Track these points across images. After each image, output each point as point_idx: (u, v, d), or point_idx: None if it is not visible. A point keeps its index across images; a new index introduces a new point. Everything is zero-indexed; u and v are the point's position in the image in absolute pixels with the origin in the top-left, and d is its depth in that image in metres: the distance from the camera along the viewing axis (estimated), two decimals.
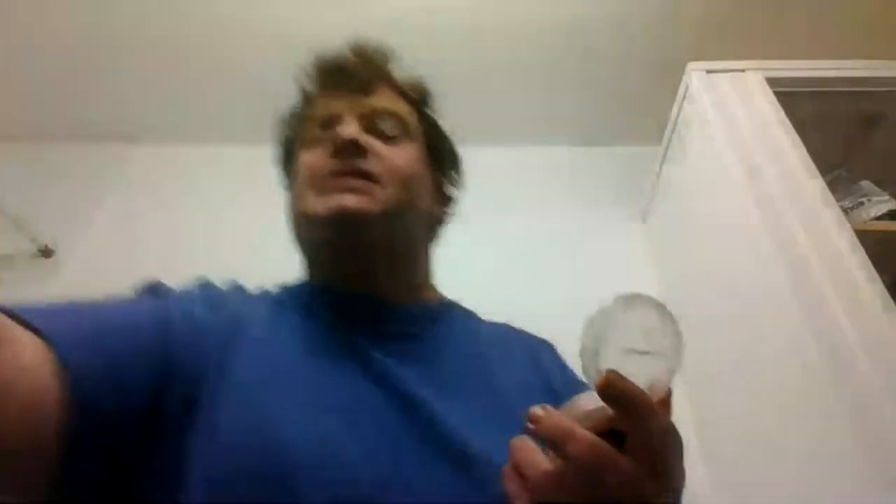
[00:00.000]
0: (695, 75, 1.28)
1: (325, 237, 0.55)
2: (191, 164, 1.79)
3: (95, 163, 1.77)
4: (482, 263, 1.45)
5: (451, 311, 0.63)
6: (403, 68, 0.67)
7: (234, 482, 0.38)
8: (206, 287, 0.54)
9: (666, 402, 0.33)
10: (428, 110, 0.68)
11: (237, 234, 1.59)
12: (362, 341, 0.50)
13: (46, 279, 1.49)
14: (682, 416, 1.23)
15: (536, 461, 0.32)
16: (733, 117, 1.17)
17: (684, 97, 1.32)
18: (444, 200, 0.69)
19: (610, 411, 0.31)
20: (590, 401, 0.33)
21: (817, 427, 0.80)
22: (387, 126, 0.59)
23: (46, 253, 1.54)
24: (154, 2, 1.51)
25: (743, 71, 1.25)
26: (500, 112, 1.75)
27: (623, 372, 0.31)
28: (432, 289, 0.65)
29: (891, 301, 0.84)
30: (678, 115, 1.35)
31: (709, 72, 1.28)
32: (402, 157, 0.58)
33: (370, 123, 0.59)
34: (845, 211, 1.11)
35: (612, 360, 0.31)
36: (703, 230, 1.22)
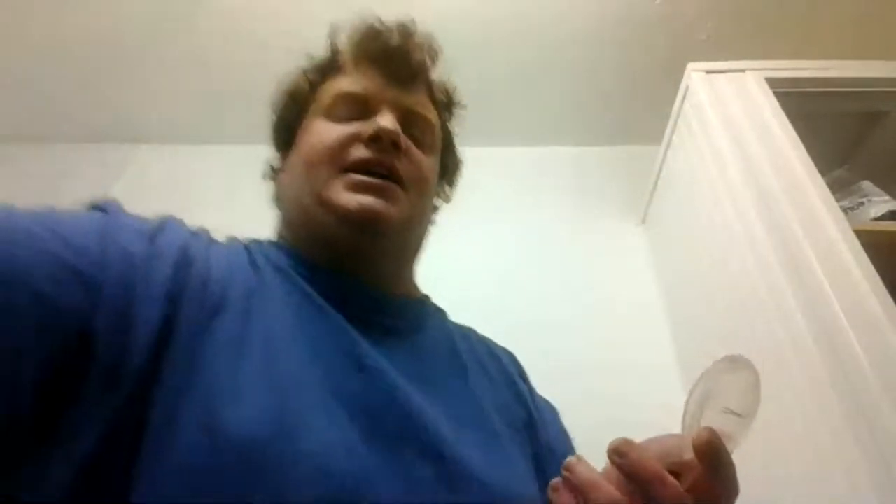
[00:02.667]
0: (695, 75, 1.28)
1: (342, 232, 0.51)
2: (192, 164, 1.79)
3: (97, 163, 1.77)
4: (481, 263, 1.45)
5: (429, 309, 0.62)
6: (442, 69, 0.65)
7: (203, 480, 0.33)
8: (169, 229, 0.45)
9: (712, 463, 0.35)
10: (450, 122, 0.68)
11: (239, 233, 1.59)
12: (352, 328, 0.47)
13: None
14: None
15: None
16: (733, 117, 1.17)
17: (684, 97, 1.32)
18: (435, 209, 0.69)
19: (684, 458, 0.34)
20: (665, 442, 0.37)
21: (817, 427, 0.80)
22: (419, 131, 0.58)
23: None
24: (156, 3, 1.51)
25: (743, 71, 1.25)
26: (500, 112, 1.75)
27: (718, 430, 0.34)
28: (414, 285, 0.63)
29: (891, 302, 0.84)
30: (678, 115, 1.35)
31: (709, 72, 1.28)
32: (426, 166, 0.58)
33: (405, 122, 0.56)
34: (845, 211, 1.10)
35: (713, 419, 0.34)
36: (703, 231, 1.22)
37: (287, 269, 0.50)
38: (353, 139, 0.53)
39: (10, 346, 0.31)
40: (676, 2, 1.50)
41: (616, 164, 1.73)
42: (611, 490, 0.34)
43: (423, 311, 0.60)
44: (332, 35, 0.62)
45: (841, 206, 1.04)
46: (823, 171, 1.05)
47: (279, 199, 0.61)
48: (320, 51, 0.62)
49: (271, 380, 0.38)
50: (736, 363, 0.35)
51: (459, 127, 0.70)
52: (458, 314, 0.89)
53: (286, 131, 0.62)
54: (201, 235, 0.48)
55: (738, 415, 0.34)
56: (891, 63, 1.25)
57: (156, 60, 1.64)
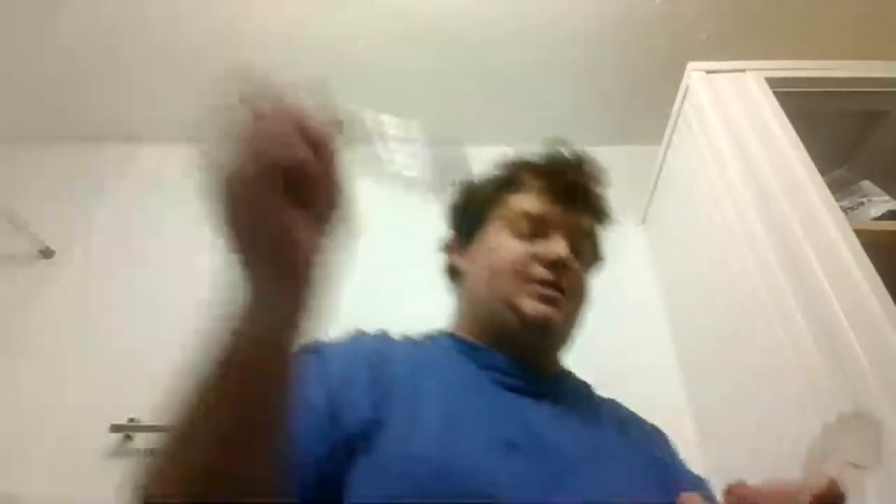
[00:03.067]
0: (695, 75, 1.28)
1: (521, 330, 0.65)
2: (191, 163, 1.79)
3: (95, 163, 1.77)
4: None
5: (576, 383, 0.73)
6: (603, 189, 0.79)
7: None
8: (360, 343, 0.64)
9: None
10: (601, 227, 0.81)
11: None
12: (508, 393, 0.60)
13: (46, 279, 1.49)
14: (682, 417, 1.23)
15: None
16: (733, 117, 1.18)
17: (684, 97, 1.32)
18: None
19: (799, 501, 0.37)
20: (782, 485, 0.38)
21: (817, 427, 0.80)
22: (584, 248, 0.72)
23: (46, 253, 1.54)
24: (154, 2, 1.51)
25: (743, 71, 1.25)
26: (500, 112, 1.75)
27: (842, 481, 0.36)
28: (559, 362, 0.74)
29: (891, 302, 0.84)
30: (678, 115, 1.35)
31: (709, 72, 1.28)
32: (584, 277, 0.73)
33: (572, 239, 0.70)
34: (845, 211, 1.10)
35: (837, 469, 0.37)
36: (703, 230, 1.22)
37: (453, 351, 0.66)
38: (534, 259, 0.67)
39: (313, 451, 0.49)
40: (676, 2, 1.50)
41: (616, 164, 1.71)
42: None
43: (568, 383, 0.71)
44: (516, 156, 0.78)
45: (841, 206, 1.04)
46: (823, 171, 1.05)
47: (458, 285, 0.76)
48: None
49: (441, 425, 0.53)
50: (862, 419, 0.38)
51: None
52: None
53: (468, 224, 0.76)
54: (381, 338, 0.66)
55: (859, 467, 0.37)
56: (891, 63, 1.25)
57: (156, 60, 1.64)
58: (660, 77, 1.45)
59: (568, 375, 0.74)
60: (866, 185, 1.24)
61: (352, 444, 0.52)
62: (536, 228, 0.70)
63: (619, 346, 1.32)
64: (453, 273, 0.77)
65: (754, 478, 0.38)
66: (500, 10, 1.52)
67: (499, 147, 2.01)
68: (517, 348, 0.66)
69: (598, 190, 0.78)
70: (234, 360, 0.39)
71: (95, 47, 1.61)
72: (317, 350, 0.60)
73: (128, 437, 1.22)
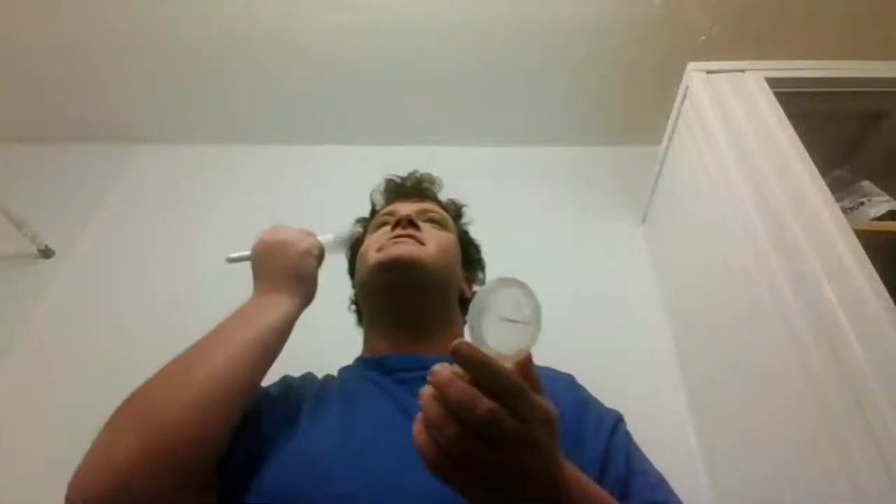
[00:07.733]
0: (695, 75, 1.28)
1: (382, 279, 0.71)
2: (190, 164, 1.79)
3: (95, 163, 1.77)
4: None
5: None
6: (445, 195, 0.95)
7: (280, 481, 0.54)
8: (285, 380, 0.73)
9: (526, 366, 0.39)
10: (461, 224, 0.92)
11: (236, 232, 1.59)
12: (400, 387, 0.64)
13: (46, 279, 1.49)
14: (682, 417, 1.23)
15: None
16: (733, 118, 1.17)
17: (684, 97, 1.32)
18: (469, 292, 0.86)
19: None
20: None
21: (817, 427, 0.80)
22: (433, 216, 0.82)
23: (46, 253, 1.54)
24: (154, 2, 1.51)
25: (743, 71, 1.25)
26: (500, 112, 1.75)
27: (498, 336, 0.38)
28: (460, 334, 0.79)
29: (891, 301, 0.84)
30: (678, 115, 1.35)
31: (709, 72, 1.27)
32: (441, 234, 0.80)
33: (422, 216, 0.81)
34: (845, 211, 1.10)
35: (491, 328, 0.39)
36: (703, 230, 1.22)
37: (359, 370, 0.72)
38: (388, 231, 0.76)
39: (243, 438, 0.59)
40: (676, 2, 1.50)
41: (616, 164, 1.72)
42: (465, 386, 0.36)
43: None
44: (372, 195, 0.94)
45: (841, 206, 1.04)
46: (823, 171, 1.05)
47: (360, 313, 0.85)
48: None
49: (340, 429, 0.59)
50: (503, 281, 0.40)
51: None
52: None
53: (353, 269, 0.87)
54: (302, 376, 0.74)
55: (515, 321, 0.39)
56: (891, 63, 1.25)
57: (156, 60, 1.64)
58: (660, 77, 1.45)
59: None
60: (866, 185, 1.24)
61: (265, 437, 0.60)
62: (391, 218, 0.79)
63: (619, 346, 1.32)
64: (357, 309, 0.87)
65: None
66: (499, 10, 1.52)
67: (499, 147, 2.02)
68: (396, 308, 0.72)
69: (431, 184, 0.93)
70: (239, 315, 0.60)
71: (95, 47, 1.61)
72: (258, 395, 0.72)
73: None
